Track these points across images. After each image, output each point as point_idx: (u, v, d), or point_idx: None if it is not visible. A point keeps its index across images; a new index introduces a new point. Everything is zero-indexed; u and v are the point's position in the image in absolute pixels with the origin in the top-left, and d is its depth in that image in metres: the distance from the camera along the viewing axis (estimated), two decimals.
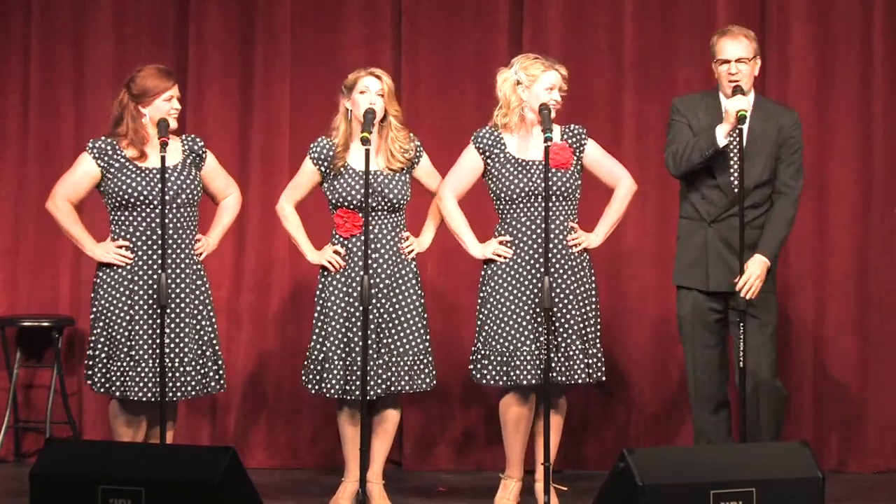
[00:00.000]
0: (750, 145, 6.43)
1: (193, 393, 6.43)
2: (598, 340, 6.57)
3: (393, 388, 6.50)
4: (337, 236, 6.56)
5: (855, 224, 7.51)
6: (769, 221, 6.46)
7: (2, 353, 7.71)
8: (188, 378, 6.40)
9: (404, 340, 6.52)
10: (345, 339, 6.49)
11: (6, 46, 7.87)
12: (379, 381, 6.46)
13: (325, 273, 6.57)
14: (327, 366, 6.50)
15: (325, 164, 6.55)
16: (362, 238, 6.42)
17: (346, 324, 6.50)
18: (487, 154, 6.54)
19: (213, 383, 6.48)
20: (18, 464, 7.73)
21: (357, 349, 6.44)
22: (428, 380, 6.58)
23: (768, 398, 6.44)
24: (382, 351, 6.49)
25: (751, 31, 6.54)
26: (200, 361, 6.44)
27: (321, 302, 6.57)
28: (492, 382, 6.52)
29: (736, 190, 6.36)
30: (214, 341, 6.51)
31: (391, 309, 6.51)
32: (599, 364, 6.56)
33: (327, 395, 6.52)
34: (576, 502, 6.72)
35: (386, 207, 6.51)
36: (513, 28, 7.70)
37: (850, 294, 7.53)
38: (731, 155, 6.42)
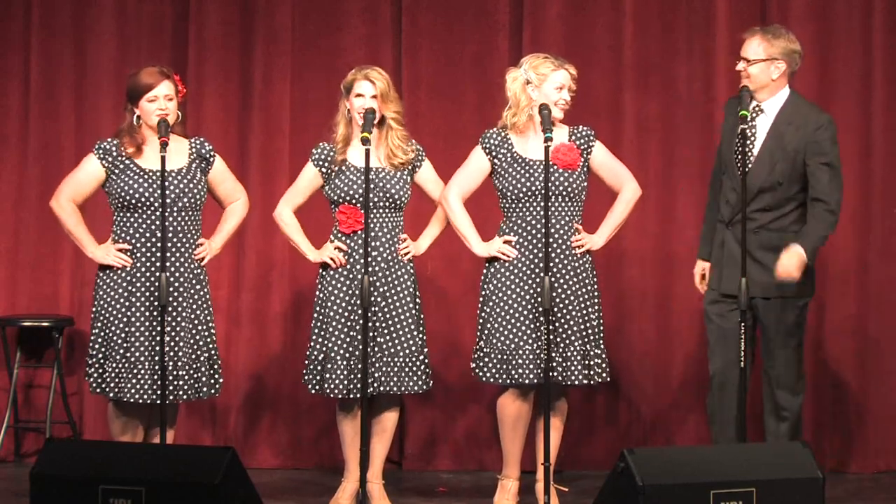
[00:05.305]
0: (764, 146, 6.43)
1: (185, 397, 6.41)
2: (601, 342, 6.56)
3: (382, 389, 6.48)
4: (338, 233, 6.56)
5: (855, 224, 7.51)
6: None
7: (2, 353, 7.70)
8: (181, 382, 6.39)
9: (396, 341, 6.51)
10: (346, 339, 6.50)
11: (6, 46, 7.86)
12: (371, 380, 6.46)
13: (325, 272, 6.56)
14: (329, 366, 6.50)
15: (326, 164, 6.55)
16: (363, 235, 6.43)
17: (348, 323, 6.49)
18: (494, 154, 6.54)
19: (205, 388, 6.46)
20: (18, 464, 7.73)
21: (359, 348, 6.44)
22: (420, 382, 6.55)
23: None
24: (376, 350, 6.48)
25: (776, 31, 6.50)
26: (194, 366, 6.43)
27: (320, 301, 6.57)
28: (491, 380, 6.52)
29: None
30: (211, 346, 6.49)
31: (385, 308, 6.51)
32: (604, 365, 6.55)
33: (331, 395, 6.52)
34: (576, 502, 6.72)
35: (387, 204, 6.51)
36: (513, 28, 7.70)
37: (850, 294, 7.53)
38: (742, 156, 6.40)
